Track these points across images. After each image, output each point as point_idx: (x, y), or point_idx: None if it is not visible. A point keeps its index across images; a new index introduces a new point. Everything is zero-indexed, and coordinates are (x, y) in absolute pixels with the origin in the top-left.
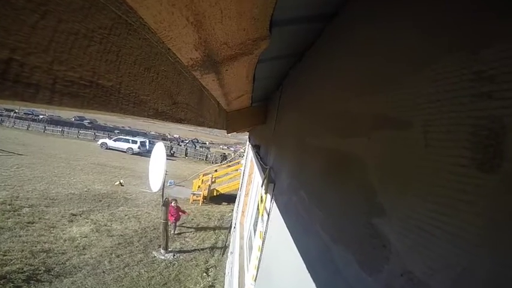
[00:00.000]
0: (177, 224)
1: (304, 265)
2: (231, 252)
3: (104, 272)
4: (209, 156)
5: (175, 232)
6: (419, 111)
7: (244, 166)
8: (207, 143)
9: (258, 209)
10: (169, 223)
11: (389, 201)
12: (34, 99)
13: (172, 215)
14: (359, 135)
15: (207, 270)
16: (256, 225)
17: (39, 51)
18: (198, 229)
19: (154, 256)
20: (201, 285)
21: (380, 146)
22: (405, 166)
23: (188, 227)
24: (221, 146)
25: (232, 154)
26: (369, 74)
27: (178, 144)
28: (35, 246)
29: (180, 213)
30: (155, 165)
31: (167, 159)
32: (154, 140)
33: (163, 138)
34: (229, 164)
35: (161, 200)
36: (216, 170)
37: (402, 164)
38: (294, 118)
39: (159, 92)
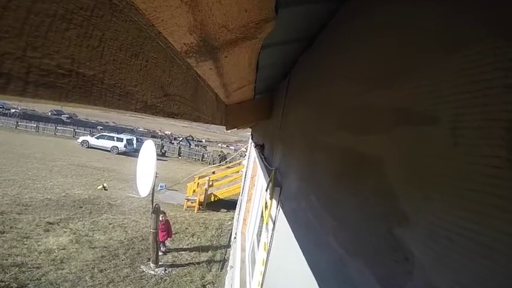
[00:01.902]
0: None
1: (316, 281)
2: (231, 267)
3: None
4: (206, 156)
5: (164, 250)
6: (447, 104)
7: (246, 167)
8: (204, 140)
9: (262, 216)
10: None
11: (413, 207)
12: (4, 91)
13: (161, 231)
14: (377, 132)
15: (203, 287)
16: (260, 235)
17: (11, 35)
18: (193, 240)
19: (143, 271)
20: None
21: (401, 145)
22: (430, 167)
23: (181, 237)
24: (220, 145)
25: (233, 153)
26: (389, 62)
27: (171, 143)
28: (6, 260)
29: (165, 232)
30: (144, 166)
31: (157, 159)
32: (143, 138)
33: (153, 136)
34: (229, 165)
35: (151, 206)
36: (213, 172)
37: (427, 164)
38: (303, 112)
39: (148, 82)
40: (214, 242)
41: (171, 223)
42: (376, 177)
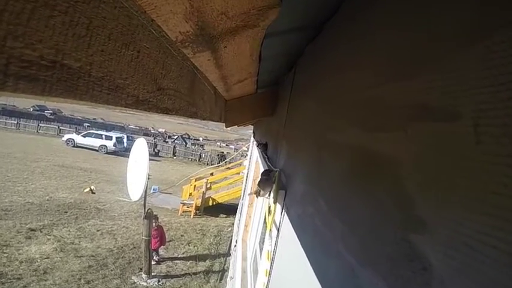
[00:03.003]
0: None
1: None
2: (231, 278)
3: None
4: (203, 156)
5: (157, 259)
6: (468, 99)
7: (248, 169)
8: (201, 139)
9: (265, 222)
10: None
11: (431, 212)
12: None
13: (154, 238)
14: (392, 129)
15: None
16: (263, 243)
17: None
18: (190, 248)
19: (134, 282)
20: None
21: (419, 143)
22: (451, 168)
23: (176, 245)
24: (218, 143)
25: (233, 153)
26: (405, 53)
27: (165, 141)
28: None
29: (158, 239)
30: (135, 167)
31: (150, 159)
32: (134, 136)
33: (146, 134)
34: (229, 165)
35: (142, 211)
36: (212, 174)
37: (447, 165)
38: (310, 107)
39: (140, 74)
40: (213, 251)
41: (164, 229)
42: (390, 178)
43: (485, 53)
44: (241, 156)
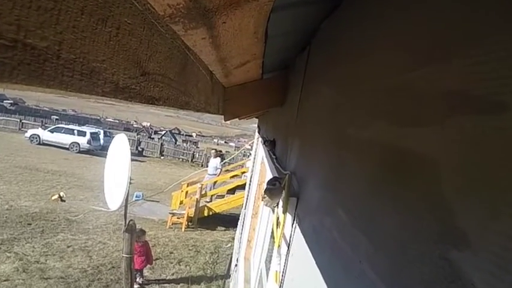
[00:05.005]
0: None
1: None
2: None
3: None
4: (197, 155)
5: (141, 281)
6: None
7: (252, 171)
8: (194, 135)
9: (272, 237)
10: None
11: (475, 224)
12: None
13: (139, 256)
14: (427, 123)
15: None
16: (270, 262)
17: None
18: (180, 268)
19: None
20: None
21: (459, 140)
22: (498, 169)
23: (164, 265)
24: (216, 140)
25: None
26: (441, 30)
27: (150, 137)
28: None
29: (144, 257)
30: (114, 169)
31: (133, 160)
32: (113, 131)
33: (127, 128)
34: (228, 167)
35: (123, 223)
36: None
37: (494, 166)
38: (328, 96)
39: (120, 56)
40: (209, 271)
41: (150, 245)
42: (425, 184)
43: None
44: (244, 155)
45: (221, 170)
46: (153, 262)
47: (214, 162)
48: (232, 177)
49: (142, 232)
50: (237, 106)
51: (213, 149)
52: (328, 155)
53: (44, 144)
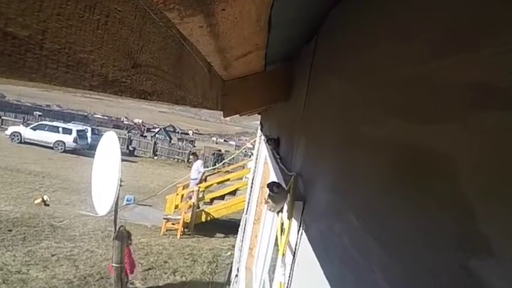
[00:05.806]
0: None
1: None
2: None
3: None
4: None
5: None
6: None
7: (254, 173)
8: (191, 132)
9: (276, 244)
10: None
11: (498, 231)
12: None
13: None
14: (447, 119)
15: None
16: (274, 272)
17: None
18: (175, 278)
19: None
20: None
21: (482, 138)
22: None
23: (158, 275)
24: (214, 139)
25: (234, 152)
26: (463, 17)
27: (142, 135)
28: None
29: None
30: (103, 170)
31: (123, 160)
32: (101, 128)
33: (117, 126)
34: (228, 168)
35: (113, 229)
36: (205, 179)
37: None
38: (337, 90)
39: (109, 46)
40: (207, 282)
41: (143, 253)
42: (444, 186)
43: None
44: (245, 156)
45: (203, 173)
46: (145, 272)
47: (196, 165)
48: (224, 181)
49: (128, 237)
50: (238, 101)
51: (192, 153)
52: (338, 154)
53: (25, 142)
